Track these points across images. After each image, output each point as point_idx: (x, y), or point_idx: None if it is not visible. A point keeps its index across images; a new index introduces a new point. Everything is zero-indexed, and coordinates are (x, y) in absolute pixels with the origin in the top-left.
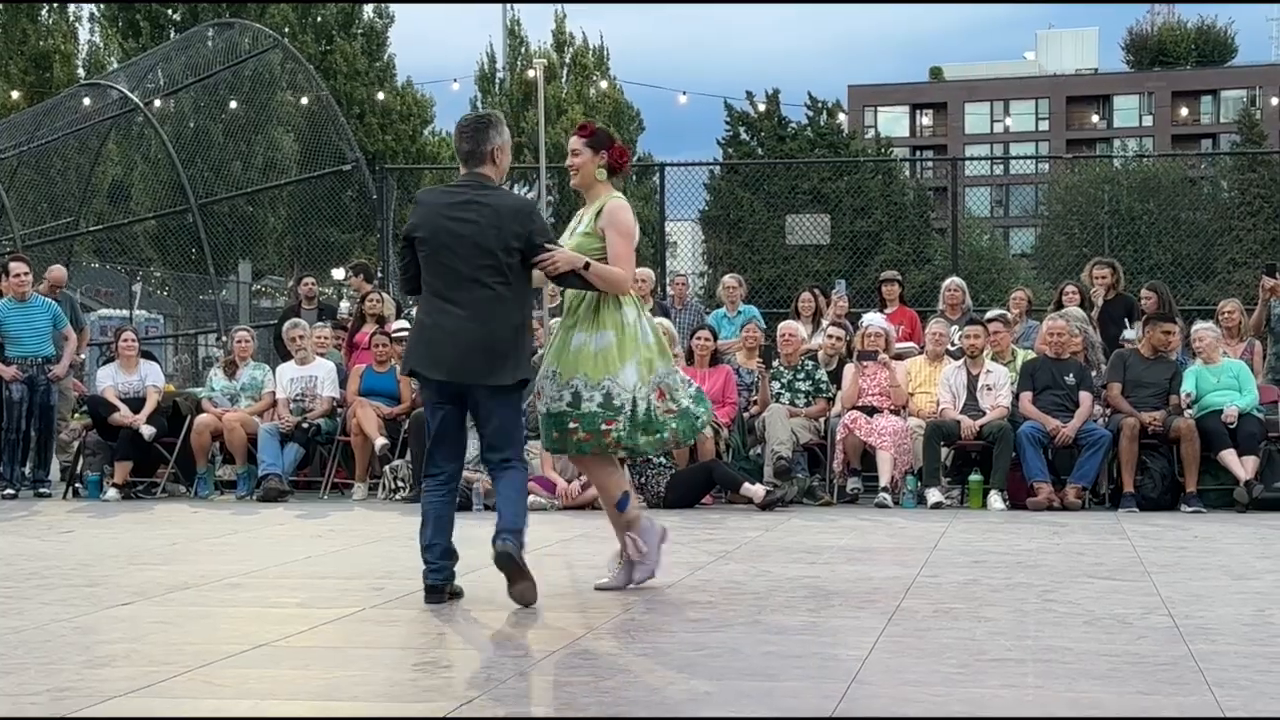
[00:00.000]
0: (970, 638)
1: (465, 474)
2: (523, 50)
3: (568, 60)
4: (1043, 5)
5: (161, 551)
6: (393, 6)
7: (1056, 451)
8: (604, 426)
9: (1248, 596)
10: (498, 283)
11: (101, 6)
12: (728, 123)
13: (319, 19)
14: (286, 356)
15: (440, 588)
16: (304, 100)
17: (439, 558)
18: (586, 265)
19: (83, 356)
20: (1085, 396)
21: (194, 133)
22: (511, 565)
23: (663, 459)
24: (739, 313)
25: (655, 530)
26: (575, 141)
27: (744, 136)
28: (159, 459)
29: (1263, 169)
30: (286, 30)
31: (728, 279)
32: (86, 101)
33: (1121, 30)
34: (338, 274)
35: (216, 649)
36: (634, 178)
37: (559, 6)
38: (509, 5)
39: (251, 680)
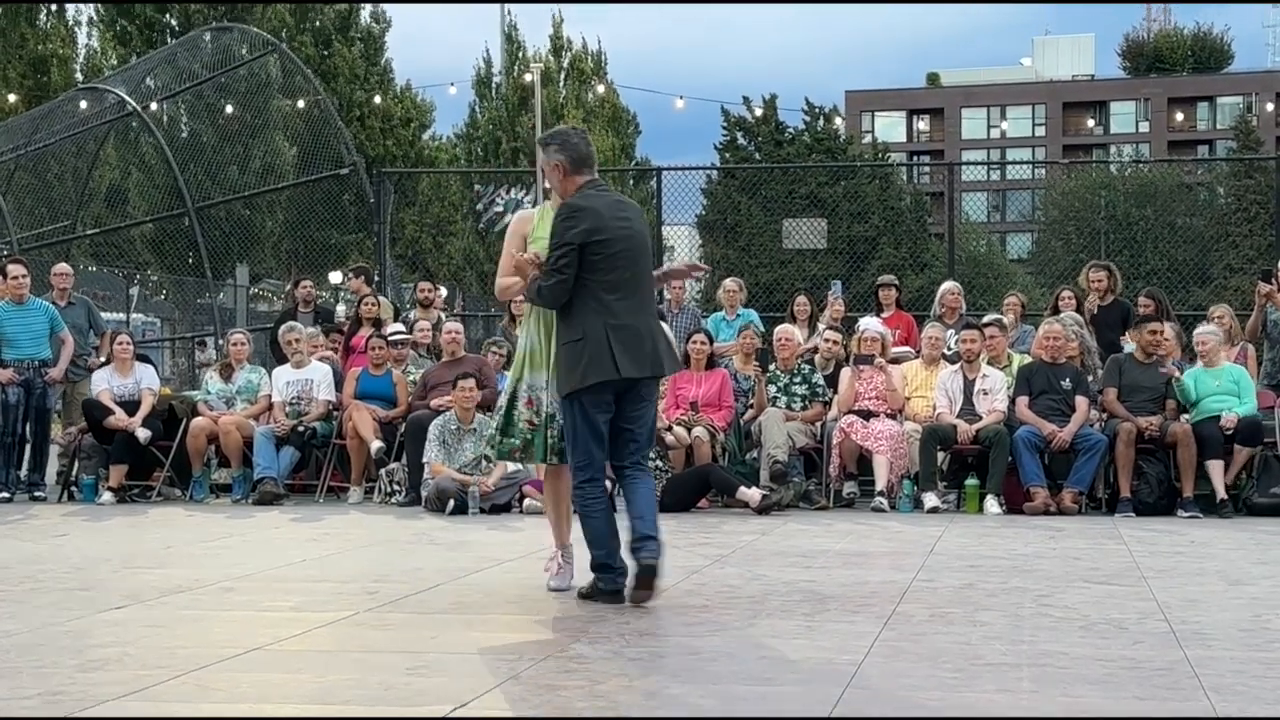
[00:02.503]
0: (966, 642)
1: (461, 478)
2: (520, 55)
3: (565, 65)
4: (1041, 5)
5: (156, 555)
6: (389, 10)
7: (1053, 456)
8: None
9: (1244, 602)
10: (650, 279)
11: (99, 11)
12: (725, 128)
13: (316, 23)
14: (282, 360)
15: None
16: (300, 104)
17: (621, 561)
18: None
19: (102, 359)
20: (1081, 401)
21: (191, 137)
22: (653, 577)
23: (658, 462)
24: (738, 316)
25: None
26: None
27: (741, 141)
28: (154, 462)
29: (1259, 175)
30: (284, 34)
31: (728, 282)
32: (83, 105)
33: (1118, 36)
34: (335, 277)
35: (209, 653)
36: (631, 181)
37: (556, 10)
38: (506, 9)
39: (244, 684)
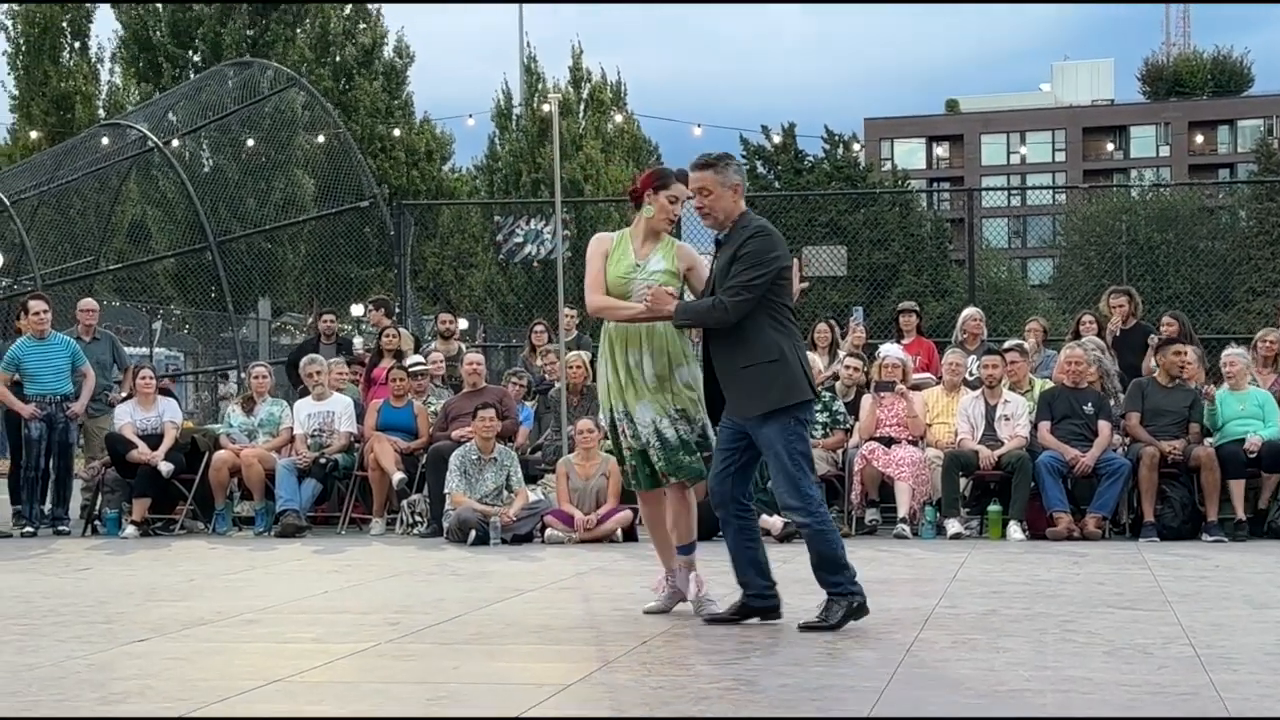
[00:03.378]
0: (989, 668)
1: (483, 508)
2: (540, 86)
3: (584, 96)
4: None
5: (179, 588)
6: (412, 44)
7: (1076, 481)
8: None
9: (1269, 625)
10: None
11: (122, 50)
12: (744, 156)
13: (337, 58)
14: (299, 389)
15: None
16: (320, 138)
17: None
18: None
19: (125, 394)
20: (1104, 425)
21: (213, 171)
22: None
23: None
24: None
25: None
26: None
27: (761, 170)
28: (177, 496)
29: None
30: (304, 68)
31: None
32: (105, 141)
33: (1137, 61)
34: (357, 310)
35: (231, 685)
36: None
37: (575, 41)
38: (526, 42)
39: (266, 715)
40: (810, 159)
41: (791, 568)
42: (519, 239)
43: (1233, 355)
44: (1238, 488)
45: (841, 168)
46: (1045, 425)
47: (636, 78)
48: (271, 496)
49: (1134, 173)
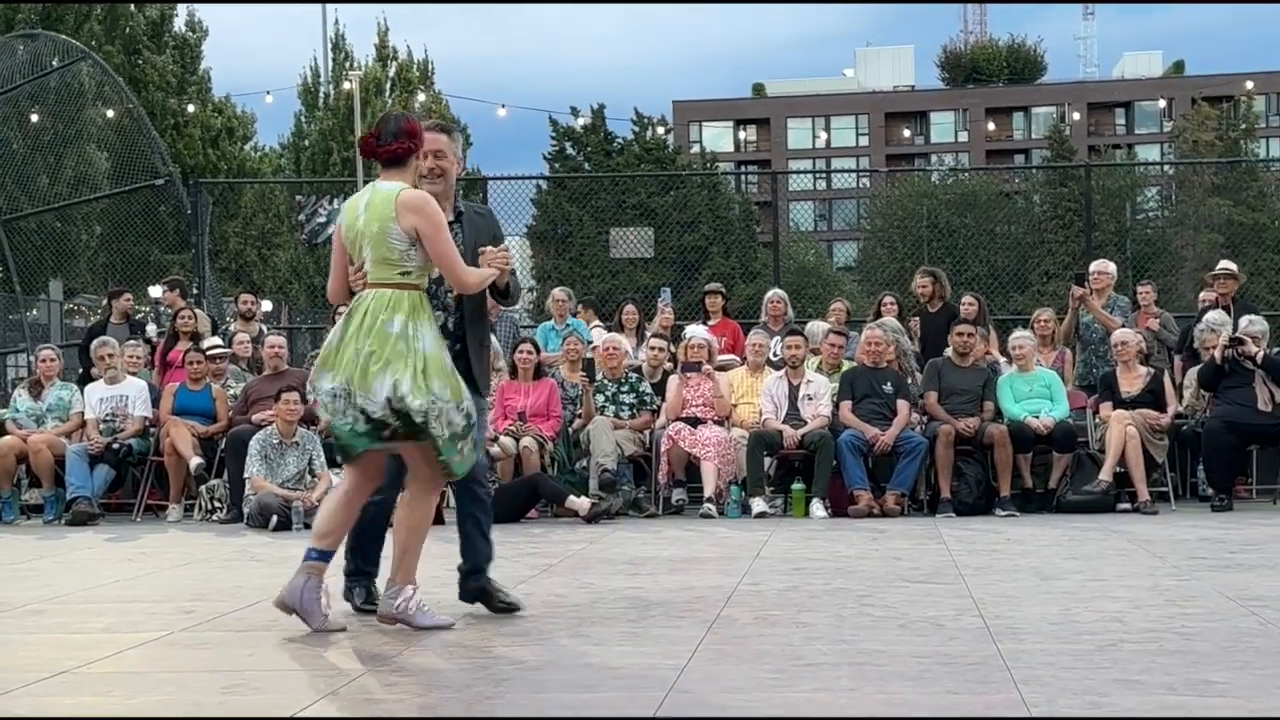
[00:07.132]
0: (788, 643)
1: (284, 493)
2: (348, 64)
3: (392, 74)
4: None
5: None
6: (205, 18)
7: (876, 459)
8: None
9: (1055, 596)
10: None
11: None
12: (553, 138)
13: (127, 29)
14: (88, 374)
15: None
16: (110, 113)
17: None
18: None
19: None
20: (902, 405)
21: None
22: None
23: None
24: (567, 326)
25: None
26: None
27: (570, 151)
28: None
29: (1072, 183)
30: (94, 42)
31: (557, 292)
32: None
33: (936, 48)
34: (155, 292)
35: (13, 677)
36: (460, 192)
37: (381, 18)
38: (335, 19)
39: (49, 709)
40: (619, 141)
41: (598, 548)
42: (322, 219)
43: (1020, 339)
44: (1025, 461)
45: (650, 150)
46: (846, 405)
47: (444, 56)
48: (61, 484)
49: (934, 157)
